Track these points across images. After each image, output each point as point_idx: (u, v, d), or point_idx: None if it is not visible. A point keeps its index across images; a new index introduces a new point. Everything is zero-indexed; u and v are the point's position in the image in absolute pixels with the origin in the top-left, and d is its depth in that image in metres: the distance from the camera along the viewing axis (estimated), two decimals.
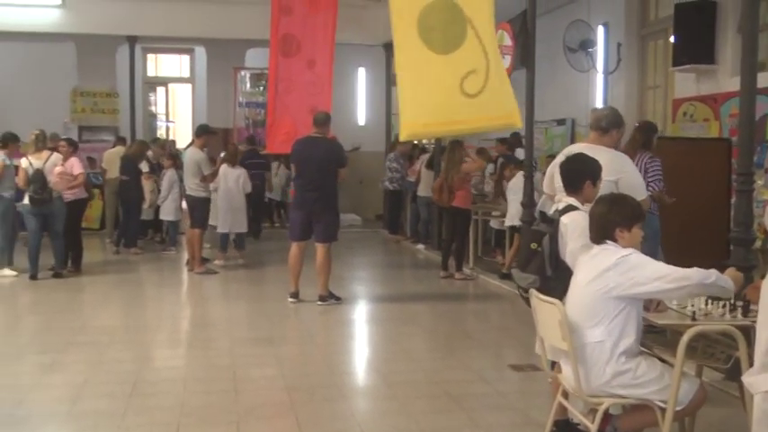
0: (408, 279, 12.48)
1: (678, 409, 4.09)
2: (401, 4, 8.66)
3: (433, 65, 8.48)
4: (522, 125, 8.93)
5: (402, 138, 9.02)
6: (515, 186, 11.55)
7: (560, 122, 15.14)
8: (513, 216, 11.56)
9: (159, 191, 14.28)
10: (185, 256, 12.89)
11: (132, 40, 17.91)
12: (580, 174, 4.99)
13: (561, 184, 5.19)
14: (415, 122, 8.62)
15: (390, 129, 17.76)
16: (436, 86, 8.51)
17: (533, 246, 5.02)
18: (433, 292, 10.89)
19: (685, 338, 4.02)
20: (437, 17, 8.46)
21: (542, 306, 4.43)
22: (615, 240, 4.26)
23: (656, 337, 4.35)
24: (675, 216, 8.23)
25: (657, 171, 7.49)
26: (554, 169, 5.97)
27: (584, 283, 4.26)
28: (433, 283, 11.58)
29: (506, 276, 11.31)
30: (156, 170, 14.80)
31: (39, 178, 10.99)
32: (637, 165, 7.00)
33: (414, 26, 8.50)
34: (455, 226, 11.65)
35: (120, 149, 15.10)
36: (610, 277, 4.12)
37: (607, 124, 5.65)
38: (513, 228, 11.63)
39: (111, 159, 15.01)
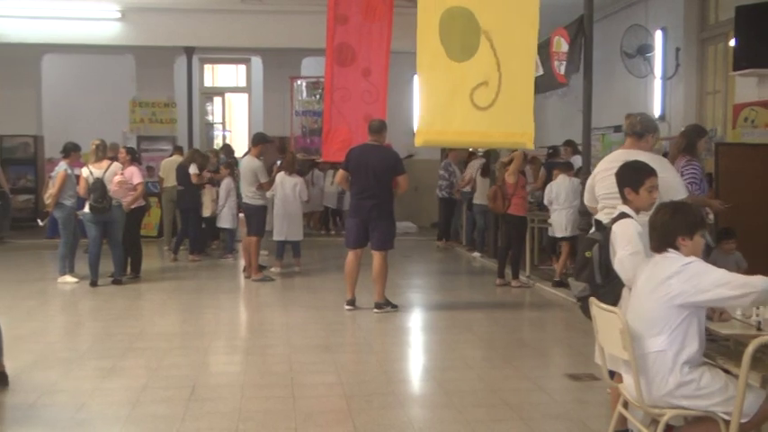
0: (464, 287, 12.42)
1: (743, 421, 3.98)
2: (427, 2, 8.57)
3: (449, 71, 8.42)
4: (533, 146, 8.82)
5: (417, 144, 8.94)
6: (559, 196, 11.45)
7: (617, 129, 14.95)
8: (560, 227, 11.45)
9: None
10: (242, 263, 13.00)
11: (189, 52, 18.16)
12: (621, 181, 4.97)
13: (603, 193, 5.16)
14: (430, 129, 8.59)
15: None
16: (451, 94, 8.45)
17: (587, 254, 4.97)
18: (488, 300, 10.83)
19: (750, 349, 3.91)
20: (455, 23, 8.40)
21: (602, 314, 4.36)
22: (677, 248, 4.19)
23: (719, 347, 4.25)
24: (737, 222, 8.07)
25: (693, 174, 7.30)
26: (593, 180, 5.93)
27: (645, 292, 4.19)
28: (489, 291, 11.51)
29: (559, 284, 11.21)
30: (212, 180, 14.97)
31: (99, 187, 11.18)
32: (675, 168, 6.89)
33: (435, 27, 8.45)
34: (511, 233, 11.59)
35: (176, 158, 15.26)
36: (672, 285, 4.04)
37: (642, 129, 5.69)
38: (561, 238, 11.54)
39: (169, 168, 15.20)
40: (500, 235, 12.24)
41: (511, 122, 8.26)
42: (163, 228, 16.31)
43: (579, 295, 4.81)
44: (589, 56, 10.26)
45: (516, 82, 8.30)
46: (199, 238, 14.49)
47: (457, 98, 8.30)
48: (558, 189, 11.57)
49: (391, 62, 12.04)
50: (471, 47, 8.29)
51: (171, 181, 14.92)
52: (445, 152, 16.22)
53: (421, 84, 8.73)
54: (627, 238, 4.63)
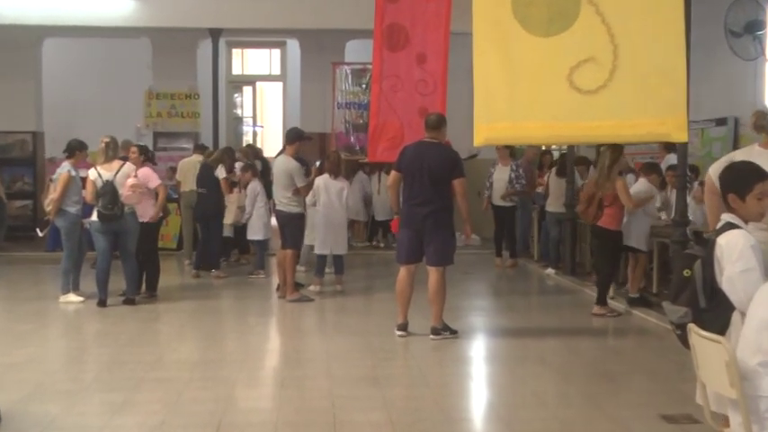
0: (536, 309, 12.34)
1: None
2: None
3: (530, 49, 8.11)
4: (686, 138, 8.36)
5: (476, 143, 8.72)
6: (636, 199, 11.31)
7: (720, 122, 14.76)
8: (637, 238, 11.30)
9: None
10: (276, 280, 13.04)
11: (215, 34, 18.33)
12: (724, 186, 4.88)
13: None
14: (496, 124, 8.25)
15: None
16: (532, 77, 8.14)
17: (686, 273, 4.87)
18: (564, 326, 10.76)
19: None
20: None
21: (704, 344, 4.27)
22: None
23: None
24: None
25: None
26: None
27: (760, 320, 4.07)
28: (565, 315, 11.44)
29: (635, 302, 11.11)
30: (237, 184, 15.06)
31: (109, 191, 11.25)
32: None
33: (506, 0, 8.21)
34: (599, 250, 11.37)
35: (197, 159, 15.31)
36: None
37: None
38: (633, 249, 11.40)
39: (187, 169, 15.29)
40: (592, 251, 11.85)
41: (641, 108, 7.79)
42: (182, 239, 16.44)
43: (679, 322, 4.71)
44: (686, 36, 10.11)
45: (649, 51, 7.80)
46: (215, 251, 14.56)
47: (543, 82, 8.00)
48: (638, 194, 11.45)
49: (451, 46, 12.01)
50: (566, 16, 7.98)
51: (190, 184, 15.02)
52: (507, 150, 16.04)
53: (481, 70, 8.54)
54: (737, 253, 4.54)
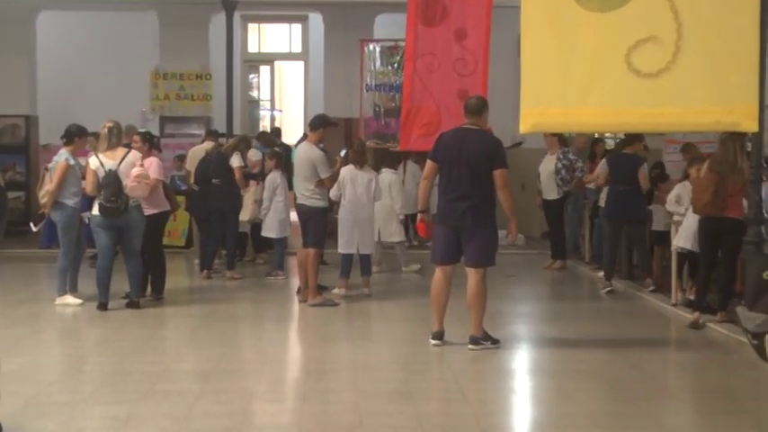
0: (587, 317, 12.29)
1: None
2: None
3: (584, 26, 8.09)
4: (757, 128, 8.22)
5: (522, 130, 8.71)
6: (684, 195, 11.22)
7: None
8: (688, 238, 11.21)
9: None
10: (296, 282, 13.08)
11: (229, 7, 18.37)
12: None
13: None
14: (545, 109, 8.25)
15: None
16: (585, 58, 8.10)
17: (765, 275, 4.85)
18: (620, 336, 10.71)
19: None
20: None
21: None
22: None
23: None
24: None
25: None
26: None
27: None
28: (621, 324, 11.40)
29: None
30: (260, 175, 15.07)
31: (112, 182, 11.27)
32: None
33: None
34: (733, 249, 10.55)
35: (209, 146, 15.32)
36: None
37: None
38: (685, 252, 11.34)
39: (198, 158, 15.29)
40: (703, 248, 11.39)
41: (707, 94, 7.71)
42: (192, 236, 16.49)
43: (756, 330, 4.69)
44: (762, 14, 9.97)
45: (718, 31, 7.72)
46: (231, 249, 14.60)
47: (598, 63, 7.97)
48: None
49: (494, 19, 11.99)
50: None
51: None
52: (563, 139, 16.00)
53: (528, 48, 8.52)
54: None
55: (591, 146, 16.90)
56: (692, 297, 11.46)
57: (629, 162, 13.53)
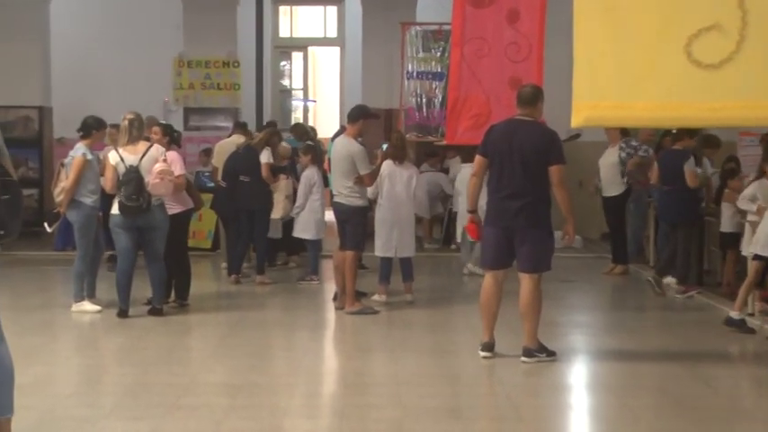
0: (653, 328, 12.23)
1: None
2: None
3: (641, 12, 8.10)
4: None
5: (574, 124, 8.70)
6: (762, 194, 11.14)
7: None
8: (764, 241, 11.14)
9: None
10: (332, 288, 13.12)
11: None
12: None
13: None
14: (598, 102, 8.26)
15: None
16: (645, 48, 8.10)
17: None
18: (690, 349, 10.64)
19: None
20: None
21: None
22: None
23: None
24: None
25: None
26: None
27: None
28: (691, 336, 11.32)
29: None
30: (289, 168, 15.10)
31: (133, 179, 11.31)
32: None
33: None
34: None
35: (237, 140, 15.42)
36: None
37: None
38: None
39: (225, 153, 15.32)
40: None
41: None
42: (218, 237, 16.54)
43: None
44: None
45: None
46: (262, 251, 14.63)
47: (656, 53, 7.98)
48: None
49: (551, 1, 11.97)
50: None
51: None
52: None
53: (581, 36, 8.51)
54: None
55: (659, 139, 16.81)
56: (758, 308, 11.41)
57: (674, 159, 13.52)
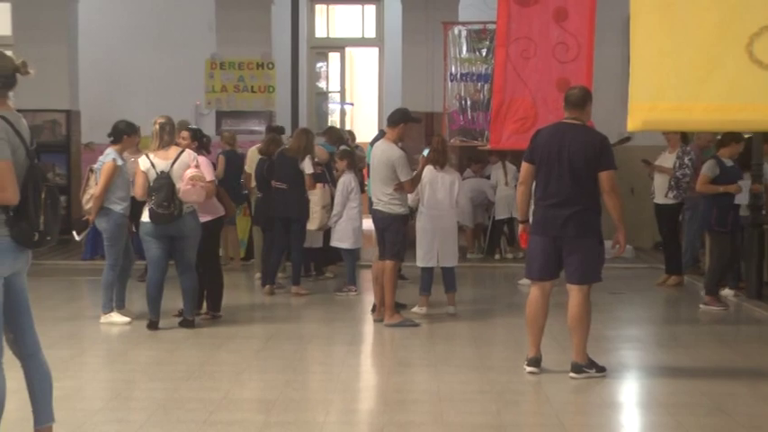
0: (709, 342, 12.11)
1: None
2: None
3: (700, 10, 8.09)
4: None
5: (630, 127, 8.67)
6: None
7: None
8: None
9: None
10: (370, 299, 13.14)
11: None
12: None
13: None
14: (656, 104, 8.22)
15: None
16: (702, 47, 8.09)
17: None
18: (750, 365, 10.59)
19: None
20: None
21: None
22: None
23: None
24: None
25: None
26: None
27: None
28: (751, 351, 11.25)
29: None
30: (325, 175, 15.12)
31: (165, 185, 11.35)
32: None
33: None
34: None
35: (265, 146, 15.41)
36: None
37: None
38: None
39: (258, 159, 15.42)
40: None
41: None
42: (252, 246, 16.59)
43: None
44: None
45: None
46: (297, 262, 14.64)
47: (716, 53, 7.96)
48: None
49: None
50: None
51: None
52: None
53: (638, 34, 8.49)
54: None
55: (718, 143, 16.74)
56: None
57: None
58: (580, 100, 9.61)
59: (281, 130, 16.35)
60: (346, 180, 14.43)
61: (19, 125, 6.36)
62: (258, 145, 15.92)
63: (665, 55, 8.32)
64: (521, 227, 10.28)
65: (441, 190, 12.80)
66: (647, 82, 8.35)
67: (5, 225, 6.25)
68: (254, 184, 15.31)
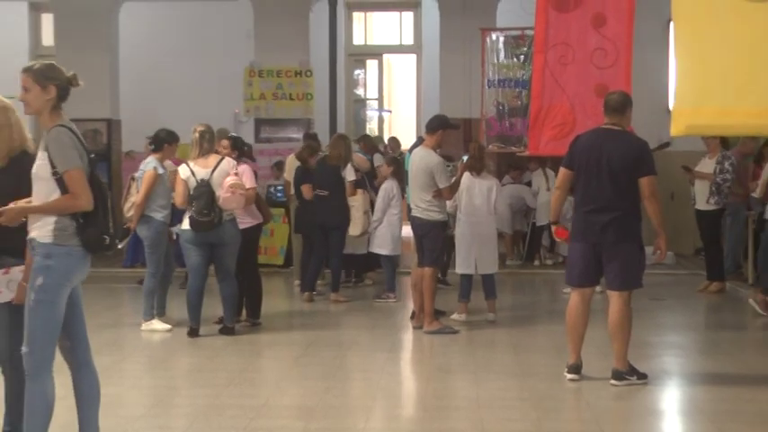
0: (752, 349, 12.05)
1: None
2: None
3: (742, 18, 8.05)
4: None
5: (674, 132, 8.64)
6: None
7: None
8: None
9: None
10: (410, 306, 13.12)
11: None
12: None
13: None
14: (699, 108, 8.19)
15: None
16: (745, 52, 8.05)
17: None
18: None
19: None
20: None
21: None
22: None
23: None
24: None
25: None
26: None
27: None
28: None
29: None
30: (365, 181, 15.12)
31: (204, 193, 11.39)
32: None
33: None
34: None
35: (303, 152, 15.44)
36: None
37: None
38: None
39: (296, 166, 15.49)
40: None
41: None
42: (291, 253, 16.61)
43: None
44: None
45: None
46: (337, 268, 14.63)
47: (759, 57, 7.92)
48: None
49: (637, 3, 11.90)
50: None
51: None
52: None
53: (681, 40, 8.47)
54: None
55: (762, 148, 16.63)
56: None
57: None
58: (620, 105, 9.57)
59: (314, 139, 16.39)
60: (388, 187, 14.42)
61: (79, 134, 6.48)
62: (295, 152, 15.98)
63: (707, 60, 8.29)
64: (553, 228, 10.29)
65: (478, 196, 12.77)
66: (691, 87, 8.32)
67: (75, 234, 6.37)
68: (293, 191, 15.34)
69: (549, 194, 17.54)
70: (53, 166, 6.27)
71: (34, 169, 6.40)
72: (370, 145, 16.97)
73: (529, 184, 18.80)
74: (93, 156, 6.62)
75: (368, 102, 23.96)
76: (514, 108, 18.56)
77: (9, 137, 6.75)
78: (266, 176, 17.89)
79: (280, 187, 17.35)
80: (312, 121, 20.15)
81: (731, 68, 8.15)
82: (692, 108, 8.30)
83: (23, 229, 6.45)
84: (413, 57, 23.22)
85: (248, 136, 18.05)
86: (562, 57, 12.14)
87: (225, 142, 12.40)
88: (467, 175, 12.79)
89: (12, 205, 6.37)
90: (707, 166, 15.57)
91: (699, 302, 15.28)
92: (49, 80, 6.42)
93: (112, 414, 8.34)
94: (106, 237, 6.49)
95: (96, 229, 6.42)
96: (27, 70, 6.44)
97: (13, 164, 6.63)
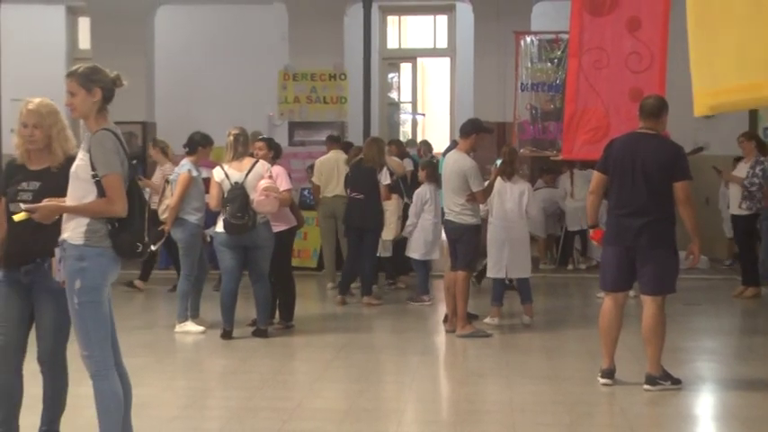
0: None
1: None
2: None
3: None
4: None
5: (696, 113, 8.57)
6: None
7: None
8: None
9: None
10: (443, 309, 13.10)
11: None
12: None
13: None
14: (720, 88, 8.11)
15: (757, 117, 17.13)
16: (762, 29, 7.97)
17: None
18: None
19: None
20: None
21: None
22: None
23: None
24: None
25: None
26: None
27: None
28: None
29: None
30: (399, 186, 15.11)
31: (239, 196, 11.42)
32: None
33: None
34: None
35: (337, 156, 15.60)
36: None
37: None
38: None
39: (328, 170, 15.53)
40: None
41: None
42: (323, 256, 16.63)
43: None
44: None
45: None
46: (369, 271, 14.62)
47: None
48: None
49: (674, 6, 11.84)
50: None
51: (332, 189, 15.31)
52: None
53: (697, 26, 8.38)
54: None
55: None
56: None
57: None
58: (656, 109, 9.54)
59: (339, 141, 16.41)
60: (422, 191, 14.37)
61: (122, 139, 6.50)
62: (327, 156, 15.97)
63: (721, 37, 8.20)
64: (591, 231, 10.26)
65: (509, 200, 12.74)
66: (709, 67, 8.21)
67: (108, 237, 6.37)
68: (329, 193, 15.34)
69: (574, 201, 17.60)
70: (93, 169, 6.29)
71: (73, 168, 6.43)
72: (401, 150, 16.95)
73: None
74: (134, 161, 6.63)
75: (402, 105, 23.92)
76: (548, 112, 18.50)
77: (66, 137, 6.83)
78: (300, 179, 17.89)
79: (308, 189, 17.37)
80: (346, 124, 20.16)
81: (748, 38, 8.07)
82: (712, 89, 8.23)
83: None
84: (447, 60, 23.17)
85: (282, 139, 18.03)
86: (596, 61, 12.09)
87: (260, 144, 12.47)
88: (498, 178, 12.76)
89: (45, 202, 6.40)
90: (742, 170, 15.49)
91: (734, 307, 15.20)
92: (94, 83, 6.46)
93: (146, 415, 8.37)
94: (139, 244, 6.49)
95: (130, 235, 6.43)
96: (71, 74, 6.47)
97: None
